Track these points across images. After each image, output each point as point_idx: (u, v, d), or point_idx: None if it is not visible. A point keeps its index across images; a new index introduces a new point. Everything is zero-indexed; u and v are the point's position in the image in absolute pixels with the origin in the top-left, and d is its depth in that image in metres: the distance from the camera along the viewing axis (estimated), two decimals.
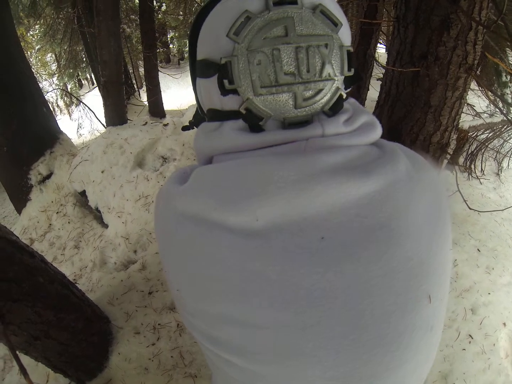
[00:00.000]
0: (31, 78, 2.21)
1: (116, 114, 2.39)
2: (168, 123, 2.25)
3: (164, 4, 4.61)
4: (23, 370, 0.59)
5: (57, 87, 4.28)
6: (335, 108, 0.30)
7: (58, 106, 4.15)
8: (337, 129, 0.29)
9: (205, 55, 0.31)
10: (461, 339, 1.49)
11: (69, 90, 4.85)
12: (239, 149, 0.30)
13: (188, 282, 0.29)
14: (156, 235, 0.35)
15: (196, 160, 0.37)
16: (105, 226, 1.93)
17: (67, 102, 4.51)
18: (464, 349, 1.45)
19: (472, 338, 1.49)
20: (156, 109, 3.67)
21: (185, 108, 4.31)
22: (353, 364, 0.28)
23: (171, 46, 7.84)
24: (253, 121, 0.29)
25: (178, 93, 5.63)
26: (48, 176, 2.21)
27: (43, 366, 1.11)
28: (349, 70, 0.30)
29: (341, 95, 0.30)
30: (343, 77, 0.30)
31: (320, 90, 0.29)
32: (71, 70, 4.23)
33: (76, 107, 4.59)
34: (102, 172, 1.97)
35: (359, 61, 2.36)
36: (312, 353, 0.27)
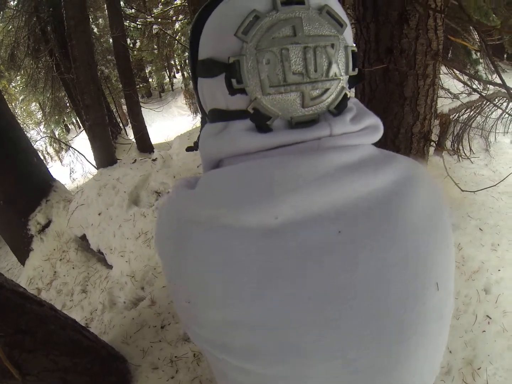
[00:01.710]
0: (19, 130, 2.34)
1: (105, 156, 2.50)
2: (156, 158, 2.35)
3: (138, 41, 4.88)
4: None
5: (45, 135, 4.45)
6: (340, 107, 0.31)
7: (48, 153, 4.29)
8: (345, 128, 0.31)
9: (209, 54, 0.31)
10: (479, 321, 1.50)
11: (56, 136, 5.04)
12: (250, 150, 0.30)
13: (202, 289, 0.30)
14: (161, 246, 0.34)
15: (202, 166, 0.37)
16: (110, 267, 1.98)
17: (57, 149, 4.65)
18: (484, 331, 1.47)
19: (491, 318, 1.51)
20: (144, 144, 3.81)
21: (171, 139, 4.46)
22: (373, 354, 0.29)
23: (150, 80, 8.16)
24: (261, 121, 0.30)
25: (164, 125, 5.82)
26: (47, 225, 2.29)
27: None
28: (353, 69, 0.31)
29: (345, 94, 0.31)
30: (348, 76, 0.32)
31: (327, 90, 0.30)
32: (56, 117, 4.41)
33: (66, 152, 4.73)
34: (99, 214, 2.04)
35: None
36: (334, 348, 0.28)
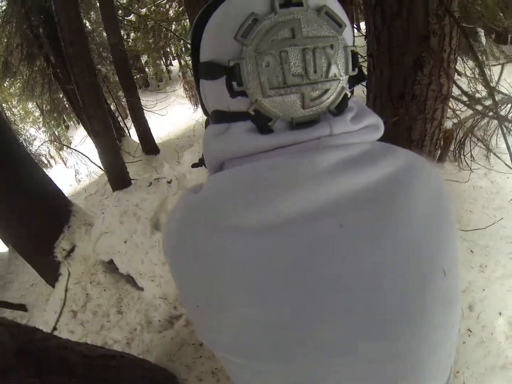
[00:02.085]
0: (32, 163, 2.44)
1: (120, 178, 2.65)
2: (171, 180, 2.51)
3: (132, 32, 4.65)
4: None
5: (47, 140, 4.50)
6: (340, 107, 0.33)
7: (51, 157, 4.39)
8: (345, 128, 0.32)
9: (210, 57, 0.33)
10: (462, 334, 1.82)
11: (56, 134, 5.06)
12: (252, 152, 0.32)
13: (213, 293, 0.31)
14: (169, 252, 0.35)
15: (207, 167, 0.39)
16: (140, 288, 2.26)
17: (58, 147, 4.70)
18: (465, 342, 1.79)
19: (471, 331, 1.83)
20: (149, 146, 3.92)
21: (175, 136, 4.50)
22: (385, 343, 0.30)
23: (147, 70, 7.89)
24: (262, 122, 0.31)
25: (164, 118, 5.73)
26: (72, 250, 2.50)
27: None
28: (353, 69, 0.33)
29: (346, 94, 0.33)
30: (348, 76, 0.33)
31: (327, 90, 0.32)
32: (55, 115, 4.40)
33: (67, 149, 4.80)
34: (125, 242, 2.28)
35: None
36: (346, 340, 0.30)
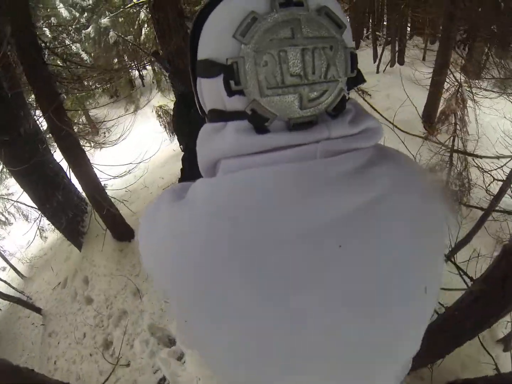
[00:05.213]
0: None
1: None
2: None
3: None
4: None
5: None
6: (338, 109, 0.33)
7: (9, 213, 3.80)
8: (344, 131, 0.33)
9: (208, 55, 0.34)
10: None
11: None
12: (246, 152, 0.33)
13: (201, 313, 0.33)
14: (163, 269, 0.36)
15: (199, 165, 0.39)
16: None
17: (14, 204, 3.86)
18: None
19: None
20: (119, 230, 3.04)
21: (155, 189, 3.34)
22: (373, 343, 0.35)
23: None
24: (259, 122, 0.32)
25: (139, 130, 4.45)
26: None
27: None
28: (352, 71, 0.33)
29: (344, 96, 0.33)
30: (346, 78, 0.33)
31: (325, 91, 0.32)
32: None
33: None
34: None
35: None
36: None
